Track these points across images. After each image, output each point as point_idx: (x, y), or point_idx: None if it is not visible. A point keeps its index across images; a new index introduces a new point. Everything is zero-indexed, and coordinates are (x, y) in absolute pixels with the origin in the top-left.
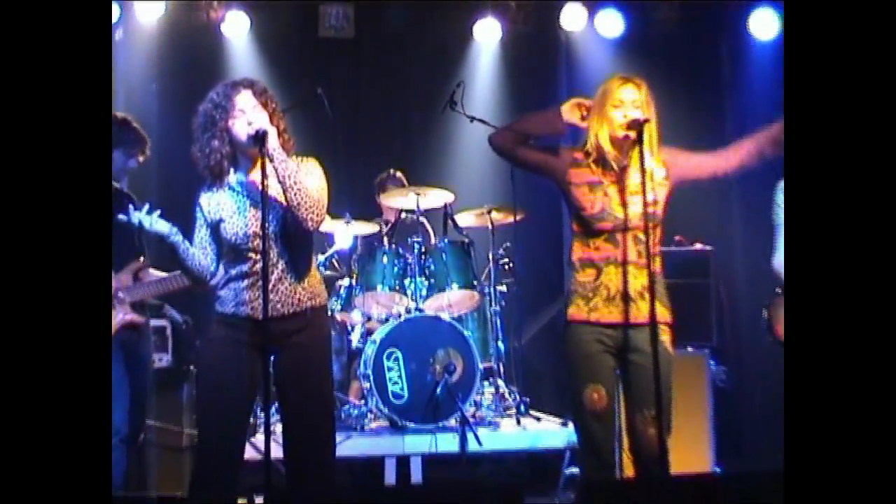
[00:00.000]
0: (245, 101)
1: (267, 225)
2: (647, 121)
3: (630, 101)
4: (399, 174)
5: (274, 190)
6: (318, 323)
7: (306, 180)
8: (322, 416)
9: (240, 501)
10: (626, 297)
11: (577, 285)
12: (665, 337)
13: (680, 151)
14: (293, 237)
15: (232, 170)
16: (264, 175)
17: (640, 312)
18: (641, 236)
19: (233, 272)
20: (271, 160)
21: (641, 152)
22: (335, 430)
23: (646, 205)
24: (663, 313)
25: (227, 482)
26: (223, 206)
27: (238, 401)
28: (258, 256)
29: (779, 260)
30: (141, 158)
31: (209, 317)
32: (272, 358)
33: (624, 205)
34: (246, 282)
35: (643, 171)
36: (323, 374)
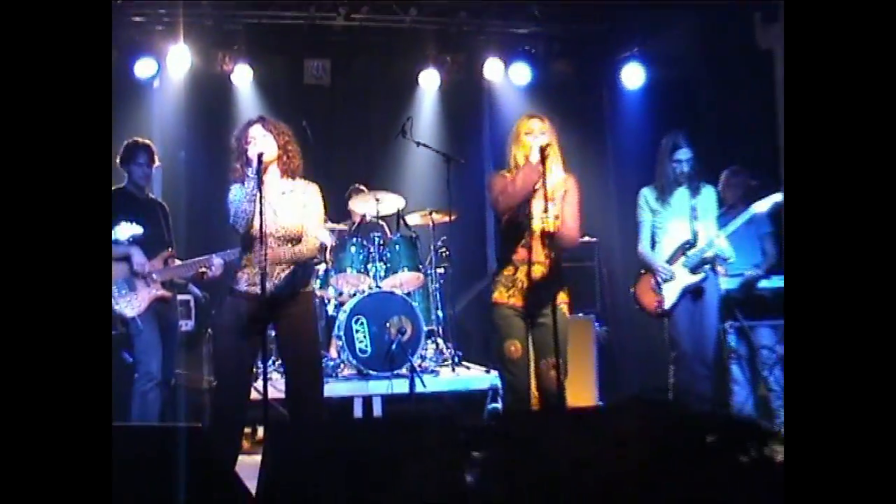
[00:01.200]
0: (256, 132)
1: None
2: (549, 144)
3: (538, 129)
4: (363, 186)
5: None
6: (305, 301)
7: (307, 207)
8: (311, 366)
9: (245, 430)
10: (539, 287)
11: (501, 277)
12: (563, 307)
13: (574, 197)
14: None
15: (252, 183)
16: (261, 192)
17: (551, 296)
18: (547, 241)
19: (246, 260)
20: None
21: (544, 174)
22: (322, 376)
23: (546, 219)
24: (563, 295)
25: (237, 412)
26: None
27: (245, 353)
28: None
29: (642, 247)
30: (157, 162)
31: (222, 293)
32: (273, 325)
33: (530, 218)
34: (256, 269)
35: (545, 192)
36: (311, 338)
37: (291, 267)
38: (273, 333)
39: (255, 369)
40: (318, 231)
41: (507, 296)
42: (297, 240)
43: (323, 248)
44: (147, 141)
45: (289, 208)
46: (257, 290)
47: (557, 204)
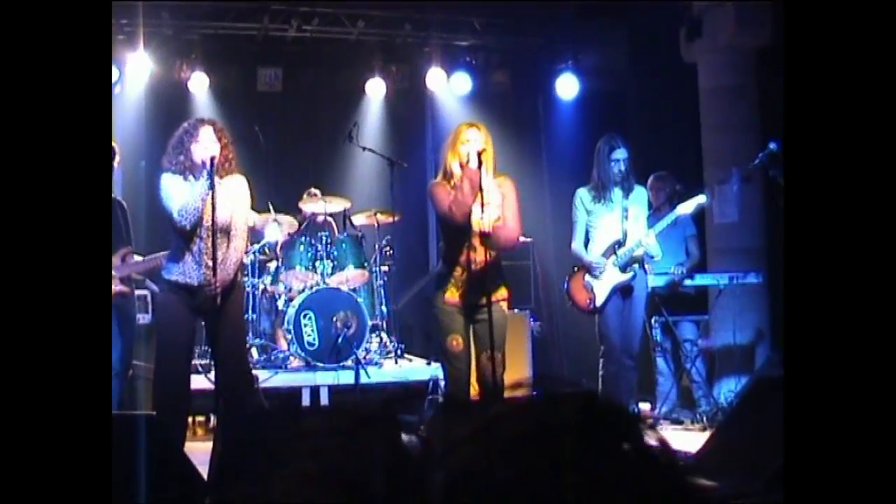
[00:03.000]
0: (206, 134)
1: (215, 225)
2: (484, 150)
3: (473, 138)
4: (313, 188)
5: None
6: (237, 294)
7: (236, 198)
8: (240, 356)
9: (199, 418)
10: (480, 286)
11: (444, 276)
12: (503, 304)
13: (513, 199)
14: (228, 237)
15: (191, 176)
16: (213, 189)
17: (488, 294)
18: (485, 241)
19: (183, 253)
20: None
21: (481, 178)
22: (249, 361)
23: (481, 221)
24: (503, 292)
25: (178, 400)
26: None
27: (182, 343)
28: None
29: (575, 245)
30: (115, 165)
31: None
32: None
33: (471, 220)
34: (192, 262)
35: (482, 195)
36: (240, 330)
37: (225, 259)
38: (203, 324)
39: (192, 358)
40: (248, 217)
41: (449, 293)
42: (228, 231)
43: (261, 236)
44: (112, 143)
45: (221, 202)
46: (192, 281)
47: (495, 206)
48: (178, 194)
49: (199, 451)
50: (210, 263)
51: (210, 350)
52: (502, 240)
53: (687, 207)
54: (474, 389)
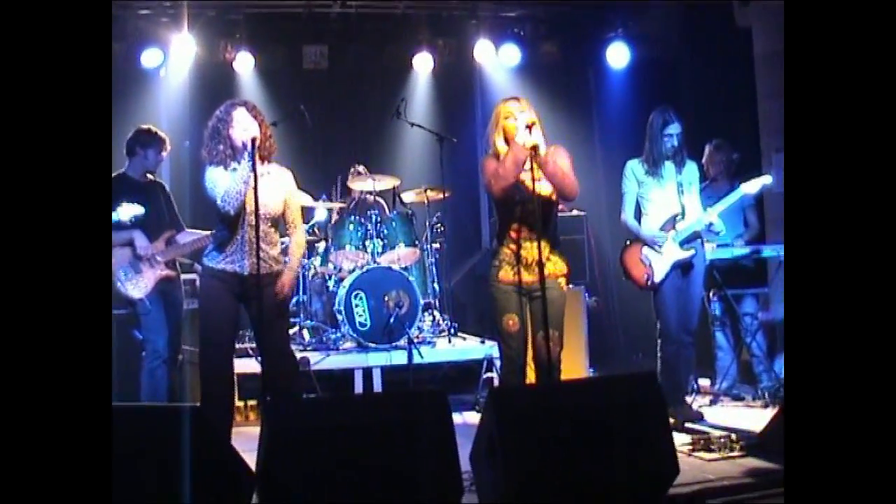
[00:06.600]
0: (241, 116)
1: (258, 208)
2: (534, 123)
3: (517, 110)
4: (361, 166)
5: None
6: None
7: (286, 189)
8: (283, 338)
9: (251, 403)
10: (532, 264)
11: (499, 254)
12: (562, 280)
13: (565, 156)
14: (277, 226)
15: (233, 163)
16: (255, 170)
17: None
18: (543, 214)
19: (229, 239)
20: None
21: (535, 149)
22: (292, 346)
23: (536, 195)
24: (561, 268)
25: (225, 386)
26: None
27: (227, 329)
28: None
29: (625, 216)
30: (164, 154)
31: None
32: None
33: (524, 196)
34: (237, 248)
35: (533, 170)
36: (285, 314)
37: (273, 246)
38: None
39: (235, 345)
40: (302, 200)
41: (504, 272)
42: (278, 220)
43: (311, 216)
44: (163, 134)
45: (270, 190)
46: (235, 267)
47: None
48: (223, 183)
49: (250, 435)
50: (257, 250)
51: (254, 332)
52: (562, 189)
53: (751, 188)
54: (531, 369)
